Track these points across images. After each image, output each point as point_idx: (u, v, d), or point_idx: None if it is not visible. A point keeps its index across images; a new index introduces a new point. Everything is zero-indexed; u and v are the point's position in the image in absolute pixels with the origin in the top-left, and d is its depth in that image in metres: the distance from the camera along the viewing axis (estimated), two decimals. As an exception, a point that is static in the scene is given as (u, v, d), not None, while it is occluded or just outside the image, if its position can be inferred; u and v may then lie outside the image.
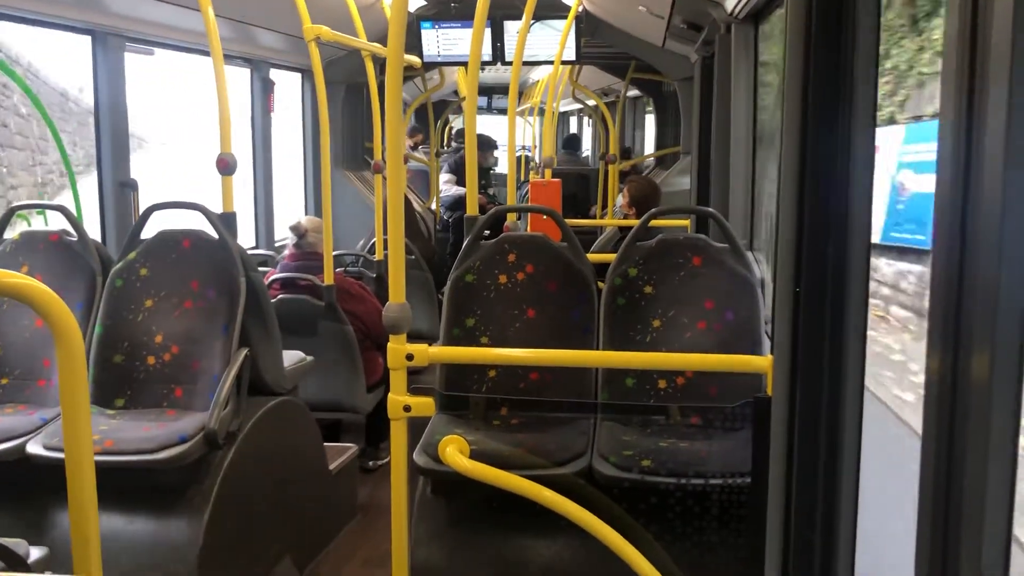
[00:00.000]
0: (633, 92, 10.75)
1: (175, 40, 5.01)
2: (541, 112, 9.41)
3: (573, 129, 17.21)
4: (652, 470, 2.60)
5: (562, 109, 16.29)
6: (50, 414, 3.13)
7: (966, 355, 1.21)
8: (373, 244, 5.64)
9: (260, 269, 3.71)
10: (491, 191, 8.22)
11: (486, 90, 13.35)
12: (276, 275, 4.56)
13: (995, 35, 1.11)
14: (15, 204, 3.68)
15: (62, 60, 5.69)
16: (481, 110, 14.56)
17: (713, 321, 3.12)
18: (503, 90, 11.22)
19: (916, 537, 1.32)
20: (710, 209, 3.94)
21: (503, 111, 15.54)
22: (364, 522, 4.08)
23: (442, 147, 10.08)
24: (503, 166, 11.45)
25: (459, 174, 8.67)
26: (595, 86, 11.06)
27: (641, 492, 2.48)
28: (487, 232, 3.37)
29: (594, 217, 7.82)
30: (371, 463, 4.69)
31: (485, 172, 7.21)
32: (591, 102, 11.80)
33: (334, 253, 4.53)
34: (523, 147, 12.96)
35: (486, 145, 8.80)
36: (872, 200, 1.83)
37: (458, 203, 8.12)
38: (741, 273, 3.15)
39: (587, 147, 15.47)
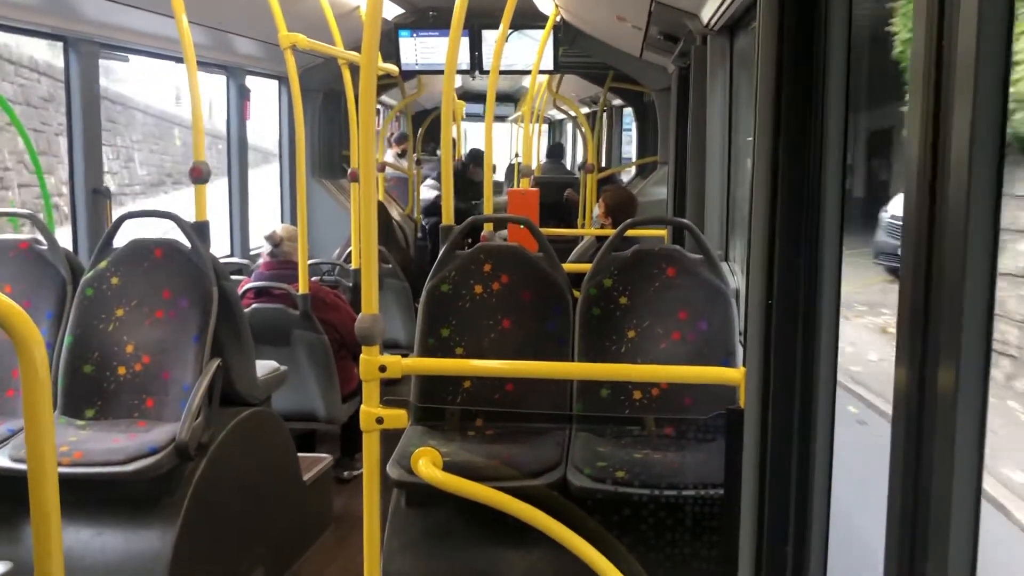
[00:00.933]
0: (618, 101, 10.79)
1: (150, 47, 4.98)
2: (538, 120, 9.40)
3: (570, 137, 17.16)
4: (626, 481, 2.60)
5: (558, 117, 16.31)
6: (18, 425, 3.08)
7: (933, 363, 1.22)
8: (349, 253, 5.62)
9: (235, 278, 3.68)
10: (474, 202, 8.21)
11: (479, 97, 13.33)
12: (250, 284, 4.52)
13: (960, 43, 1.12)
14: (-15, 212, 3.63)
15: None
16: (475, 117, 14.63)
17: (687, 332, 3.13)
18: (499, 97, 11.17)
19: (884, 546, 1.33)
20: (685, 221, 3.96)
21: (500, 118, 15.54)
22: (339, 533, 4.05)
23: (424, 154, 10.08)
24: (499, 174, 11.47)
25: (458, 188, 8.63)
26: (584, 95, 11.08)
27: (615, 503, 2.47)
28: (469, 240, 3.37)
29: (580, 227, 7.84)
30: (346, 473, 4.65)
31: (476, 186, 7.20)
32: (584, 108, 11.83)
33: (310, 262, 4.50)
34: (516, 155, 12.97)
35: (478, 159, 8.77)
36: (843, 211, 1.84)
37: (436, 207, 8.11)
38: (715, 284, 3.16)
39: (579, 156, 15.46)
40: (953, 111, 1.14)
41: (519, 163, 12.46)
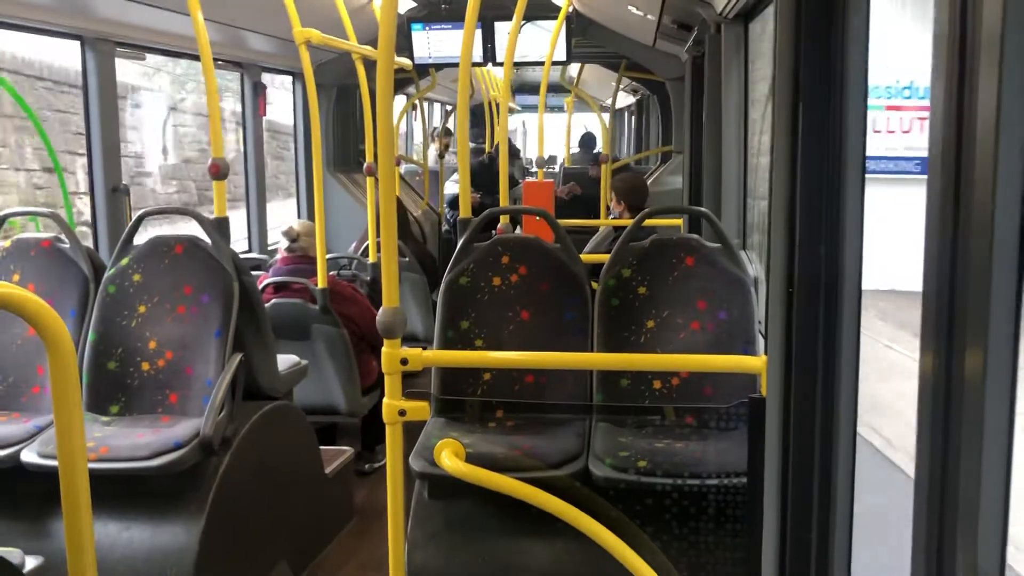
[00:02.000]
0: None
1: (165, 44, 5.00)
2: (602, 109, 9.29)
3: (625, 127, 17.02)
4: (648, 471, 2.60)
5: (622, 105, 16.23)
6: (44, 421, 3.12)
7: (960, 350, 1.21)
8: (366, 247, 5.64)
9: (253, 273, 3.71)
10: (486, 197, 8.21)
11: (534, 88, 13.26)
12: (269, 279, 4.55)
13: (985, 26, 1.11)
14: (6, 211, 3.67)
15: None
16: (531, 108, 14.61)
17: (706, 321, 3.13)
18: (551, 87, 11.03)
19: (912, 535, 1.33)
20: (703, 209, 3.95)
21: (555, 108, 15.48)
22: (361, 525, 4.08)
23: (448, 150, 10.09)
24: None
25: (483, 180, 8.62)
26: (625, 85, 10.98)
27: (637, 493, 2.48)
28: (493, 231, 3.39)
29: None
30: (367, 466, 4.68)
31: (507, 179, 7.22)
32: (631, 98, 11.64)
33: (327, 256, 4.52)
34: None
35: (510, 154, 8.75)
36: (864, 197, 1.84)
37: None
38: (734, 273, 3.16)
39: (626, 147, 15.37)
40: (978, 90, 1.13)
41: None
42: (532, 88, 11.05)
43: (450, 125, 10.35)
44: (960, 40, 1.16)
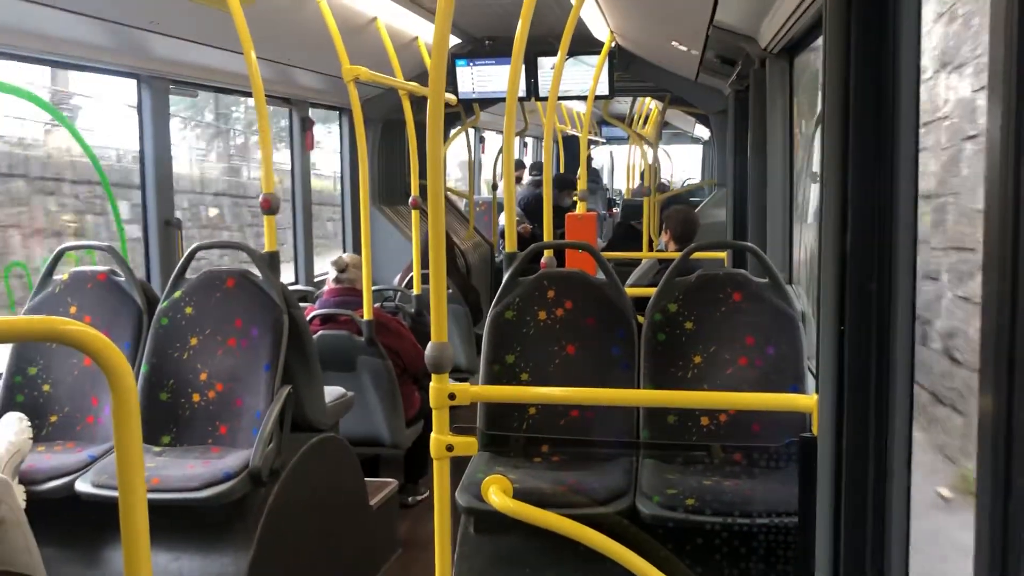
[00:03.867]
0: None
1: (218, 82, 5.13)
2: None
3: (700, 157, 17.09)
4: (697, 509, 2.58)
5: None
6: (98, 451, 3.18)
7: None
8: (410, 279, 5.68)
9: (300, 304, 3.76)
10: (557, 230, 8.28)
11: (618, 118, 13.47)
12: (316, 311, 4.60)
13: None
14: (64, 245, 3.77)
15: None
16: (617, 140, 14.79)
17: (755, 357, 3.10)
18: (619, 118, 11.08)
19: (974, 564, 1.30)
20: (749, 244, 3.93)
21: (619, 139, 15.66)
22: (406, 558, 4.08)
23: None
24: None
25: (528, 211, 8.66)
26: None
27: (686, 532, 2.45)
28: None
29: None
30: (410, 499, 4.69)
31: (561, 212, 7.25)
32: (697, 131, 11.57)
33: (373, 288, 4.57)
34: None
35: (564, 184, 8.80)
36: (917, 233, 1.82)
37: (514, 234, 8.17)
38: (782, 308, 3.13)
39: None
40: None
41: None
42: (619, 118, 11.07)
43: (524, 158, 10.39)
44: (1018, 60, 1.15)
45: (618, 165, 17.67)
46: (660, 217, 6.78)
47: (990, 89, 1.22)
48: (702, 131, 13.36)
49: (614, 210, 12.46)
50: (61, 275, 3.63)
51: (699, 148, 16.33)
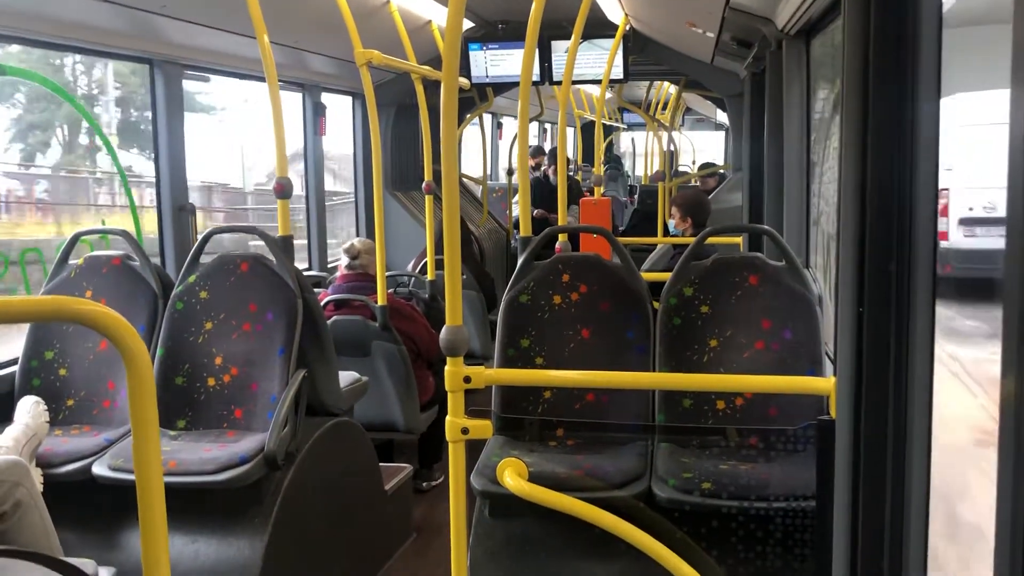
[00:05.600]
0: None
1: (231, 67, 5.12)
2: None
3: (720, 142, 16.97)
4: (713, 493, 2.57)
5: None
6: (114, 435, 3.19)
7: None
8: (424, 264, 5.68)
9: (314, 290, 3.76)
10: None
11: (636, 104, 13.45)
12: (330, 296, 4.61)
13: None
14: (79, 230, 3.78)
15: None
16: (637, 127, 14.75)
17: (771, 341, 3.08)
18: (636, 103, 11.00)
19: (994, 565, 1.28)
20: (766, 227, 3.90)
21: (639, 126, 15.63)
22: (420, 542, 4.09)
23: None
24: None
25: (544, 197, 8.63)
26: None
27: (702, 515, 2.45)
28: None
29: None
30: (424, 484, 4.69)
31: (570, 194, 7.20)
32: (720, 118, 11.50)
33: (387, 274, 4.57)
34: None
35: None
36: (937, 217, 1.79)
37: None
38: (799, 291, 3.11)
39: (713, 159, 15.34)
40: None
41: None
42: (636, 103, 11.01)
43: (544, 144, 10.37)
44: None
45: (639, 152, 17.61)
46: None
47: (1013, 72, 1.20)
48: (725, 117, 13.30)
49: (634, 197, 12.44)
50: (76, 260, 3.65)
51: (722, 135, 16.21)
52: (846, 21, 1.82)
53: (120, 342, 1.43)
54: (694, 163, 12.67)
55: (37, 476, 2.89)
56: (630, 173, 16.63)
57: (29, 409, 3.05)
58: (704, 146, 17.34)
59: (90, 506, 3.06)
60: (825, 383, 2.22)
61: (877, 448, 1.82)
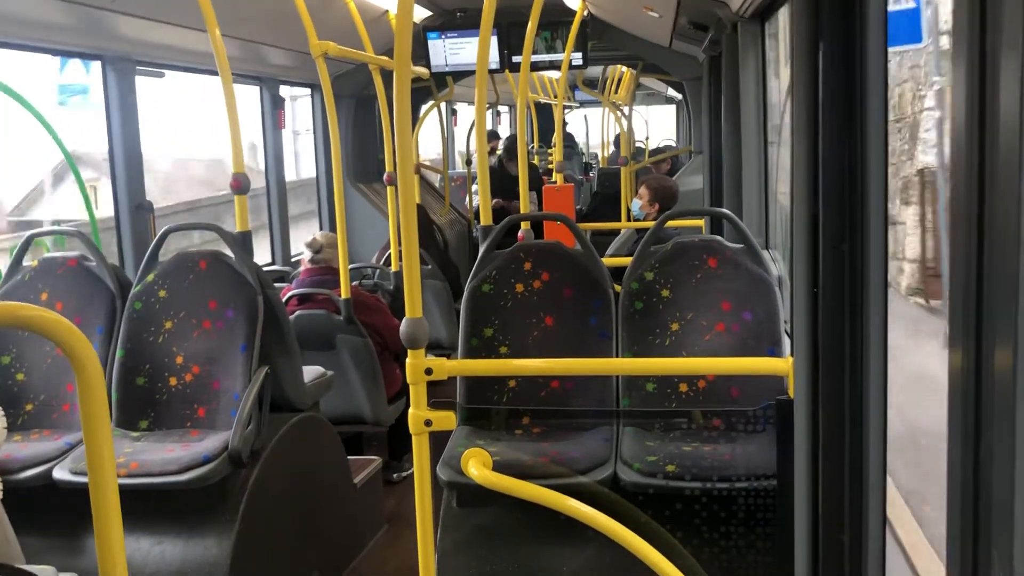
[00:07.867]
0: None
1: (185, 62, 5.05)
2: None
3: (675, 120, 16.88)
4: (677, 475, 2.59)
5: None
6: (75, 439, 3.15)
7: (989, 346, 1.19)
8: (388, 256, 5.66)
9: (276, 285, 3.73)
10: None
11: (591, 83, 13.30)
12: (293, 291, 4.57)
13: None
14: (33, 231, 3.71)
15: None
16: (590, 104, 14.73)
17: (731, 322, 3.11)
18: (589, 83, 10.95)
19: (947, 536, 1.31)
20: (724, 210, 3.93)
21: (592, 103, 15.57)
22: (391, 534, 4.09)
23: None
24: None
25: (499, 185, 8.57)
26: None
27: (666, 498, 2.46)
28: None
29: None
30: (395, 475, 4.69)
31: (514, 180, 7.17)
32: (670, 92, 11.49)
33: (350, 267, 4.54)
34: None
35: (514, 152, 8.70)
36: (888, 195, 1.82)
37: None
38: (758, 273, 3.13)
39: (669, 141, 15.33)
40: (999, 86, 1.11)
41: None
42: (589, 83, 10.95)
43: (497, 128, 10.26)
44: (980, 36, 1.15)
45: (593, 128, 17.55)
46: (636, 184, 6.77)
47: (954, 57, 1.22)
48: (675, 92, 13.32)
49: (590, 175, 12.41)
50: (31, 262, 3.58)
51: (673, 109, 16.21)
52: (795, 3, 1.83)
53: (67, 346, 1.41)
54: (647, 139, 12.66)
55: (-4, 483, 2.84)
56: (584, 151, 16.60)
57: (-14, 415, 3.00)
58: (656, 121, 17.33)
59: (52, 511, 3.02)
60: (783, 363, 2.24)
61: (835, 425, 1.85)
